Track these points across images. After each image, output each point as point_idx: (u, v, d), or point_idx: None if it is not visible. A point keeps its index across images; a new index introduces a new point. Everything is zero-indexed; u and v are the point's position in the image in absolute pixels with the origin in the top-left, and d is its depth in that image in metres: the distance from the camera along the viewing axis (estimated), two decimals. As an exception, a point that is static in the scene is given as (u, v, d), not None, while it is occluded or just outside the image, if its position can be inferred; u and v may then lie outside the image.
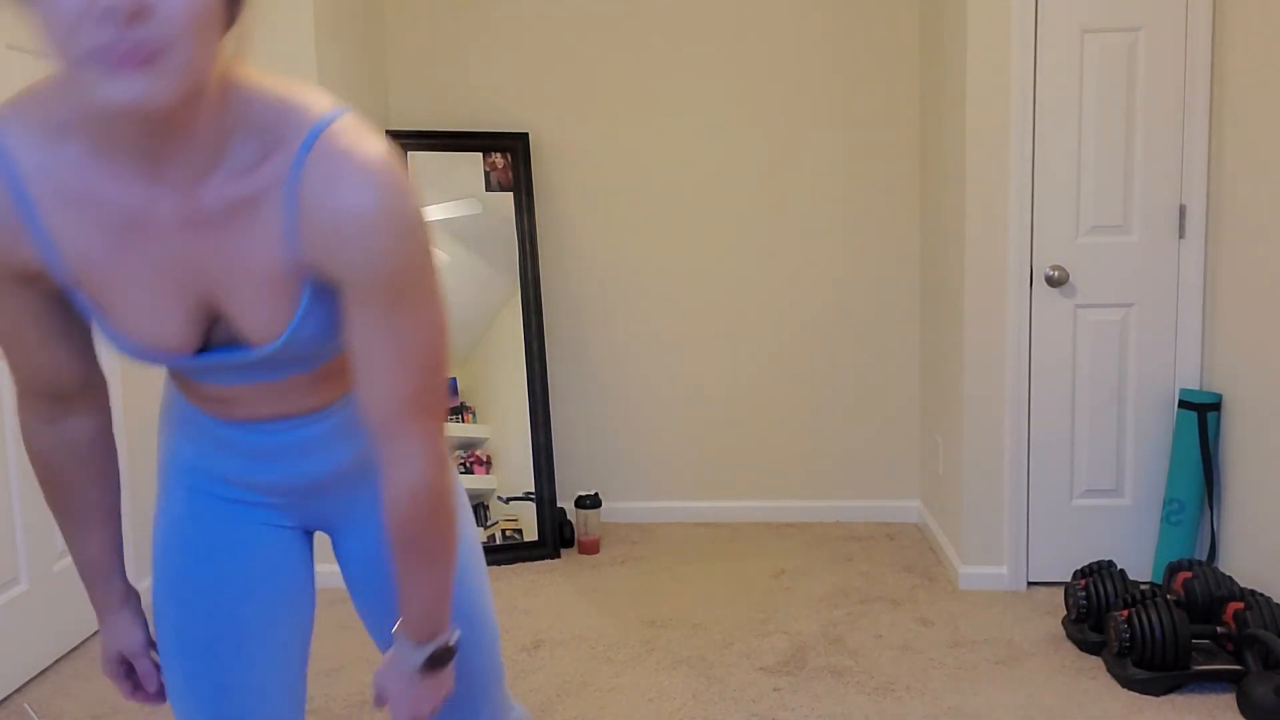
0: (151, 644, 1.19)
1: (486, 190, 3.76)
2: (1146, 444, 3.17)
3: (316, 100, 0.91)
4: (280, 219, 0.89)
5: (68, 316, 1.01)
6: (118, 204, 0.88)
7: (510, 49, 3.91)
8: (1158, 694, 2.53)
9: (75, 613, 2.94)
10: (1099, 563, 2.93)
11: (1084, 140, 3.09)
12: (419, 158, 3.71)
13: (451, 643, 1.10)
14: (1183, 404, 3.04)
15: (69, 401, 1.05)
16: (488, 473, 3.66)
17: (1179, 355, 3.12)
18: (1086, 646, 2.77)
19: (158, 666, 1.18)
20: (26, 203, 0.87)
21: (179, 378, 1.08)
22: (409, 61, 3.93)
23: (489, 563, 3.58)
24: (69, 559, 2.91)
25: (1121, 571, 2.86)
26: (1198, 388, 3.11)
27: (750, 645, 2.87)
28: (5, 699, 2.65)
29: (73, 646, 2.94)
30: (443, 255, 3.69)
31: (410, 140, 3.71)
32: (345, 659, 2.84)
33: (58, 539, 2.87)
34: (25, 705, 2.62)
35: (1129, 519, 3.20)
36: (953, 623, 2.99)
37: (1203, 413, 2.99)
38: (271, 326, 0.95)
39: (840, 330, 3.93)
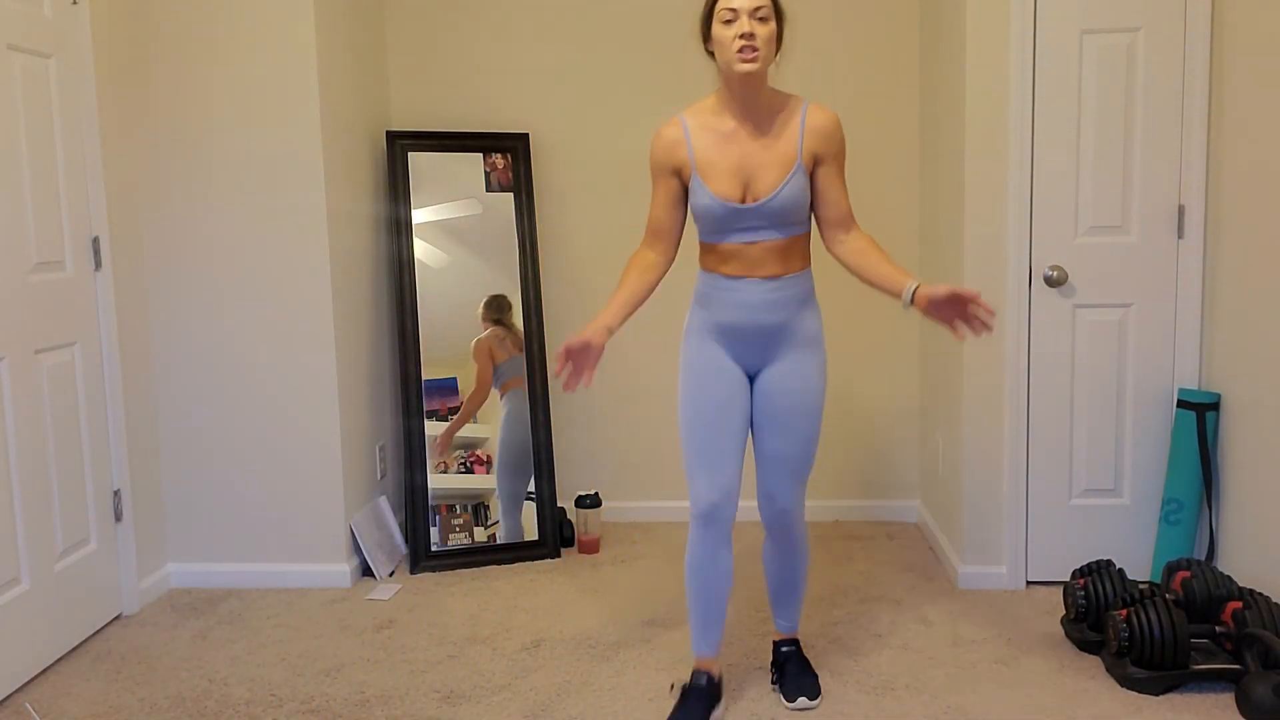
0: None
1: (486, 191, 3.76)
2: (1145, 443, 3.17)
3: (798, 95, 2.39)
4: (797, 130, 2.28)
5: (681, 202, 2.39)
6: (724, 130, 2.29)
7: (510, 49, 3.91)
8: (1156, 693, 2.54)
9: (75, 613, 2.95)
10: (1098, 562, 2.93)
11: (1083, 140, 3.09)
12: (419, 158, 3.71)
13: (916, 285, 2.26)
14: (1181, 403, 3.04)
15: (657, 242, 2.41)
16: (488, 472, 3.66)
17: (1178, 355, 3.13)
18: (1085, 646, 2.78)
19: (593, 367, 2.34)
20: (687, 135, 2.31)
21: (712, 252, 2.35)
22: (409, 62, 3.93)
23: (488, 562, 3.59)
24: (69, 559, 2.92)
25: (1120, 571, 2.86)
26: (1196, 387, 3.12)
27: (750, 645, 2.88)
28: (5, 699, 2.66)
29: (73, 646, 2.94)
30: (443, 255, 3.69)
31: (410, 140, 3.71)
32: (345, 659, 2.85)
33: (58, 539, 2.88)
34: (25, 705, 2.62)
35: (1128, 518, 3.20)
36: (952, 622, 3.00)
37: (1201, 412, 2.99)
38: (772, 187, 2.27)
39: (840, 330, 3.93)
